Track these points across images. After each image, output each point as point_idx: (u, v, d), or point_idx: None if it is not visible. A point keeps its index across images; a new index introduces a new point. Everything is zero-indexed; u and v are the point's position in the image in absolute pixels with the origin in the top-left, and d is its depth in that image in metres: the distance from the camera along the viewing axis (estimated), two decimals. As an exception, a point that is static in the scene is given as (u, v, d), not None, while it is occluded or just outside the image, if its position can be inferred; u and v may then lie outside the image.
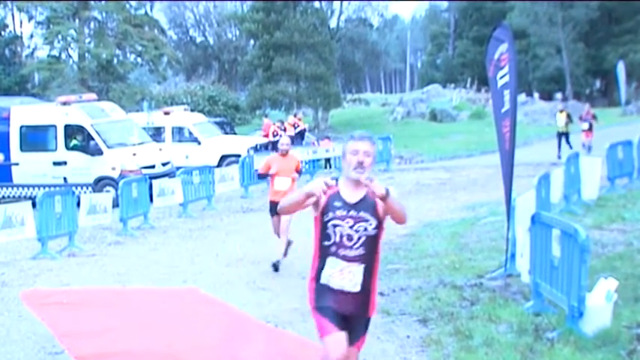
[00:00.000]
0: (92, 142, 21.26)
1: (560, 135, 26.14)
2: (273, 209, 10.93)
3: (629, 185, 16.67)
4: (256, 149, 25.52)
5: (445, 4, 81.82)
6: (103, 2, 41.52)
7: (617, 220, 13.15)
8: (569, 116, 26.05)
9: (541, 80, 57.97)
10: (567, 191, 14.32)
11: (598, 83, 62.65)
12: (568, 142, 25.63)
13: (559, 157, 23.97)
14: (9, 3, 43.02)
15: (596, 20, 55.66)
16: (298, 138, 27.86)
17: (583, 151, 23.68)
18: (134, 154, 21.37)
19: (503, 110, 9.82)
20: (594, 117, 26.25)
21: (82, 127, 21.45)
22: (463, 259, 11.19)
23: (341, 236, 4.99)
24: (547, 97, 51.87)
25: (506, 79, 9.61)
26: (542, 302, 8.16)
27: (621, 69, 47.51)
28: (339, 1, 51.62)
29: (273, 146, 25.63)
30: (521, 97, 44.12)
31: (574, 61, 55.82)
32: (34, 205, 14.36)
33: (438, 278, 10.04)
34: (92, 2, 41.07)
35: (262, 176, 11.85)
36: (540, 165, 21.51)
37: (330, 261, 4.97)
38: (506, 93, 9.65)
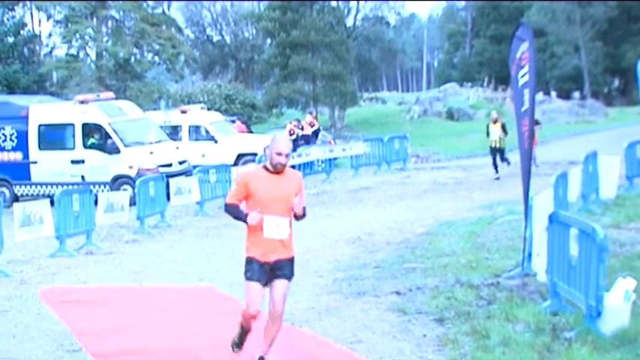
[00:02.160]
0: (110, 141, 21.35)
1: (493, 151, 21.72)
2: (259, 271, 6.75)
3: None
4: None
5: (462, 2, 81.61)
6: (120, 1, 41.67)
7: (635, 219, 13.06)
8: (504, 128, 21.53)
9: (559, 79, 57.71)
10: (585, 190, 14.23)
11: (617, 82, 62.26)
12: (504, 158, 21.71)
13: (498, 180, 21.06)
14: (28, 2, 43.26)
15: (614, 18, 55.29)
16: (313, 137, 27.83)
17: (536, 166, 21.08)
18: (151, 153, 21.44)
19: (523, 109, 9.80)
20: (537, 122, 20.65)
21: (100, 126, 21.55)
22: (480, 258, 11.15)
23: None
24: (565, 95, 51.61)
25: (527, 78, 9.57)
26: (560, 302, 8.12)
27: (640, 67, 47.25)
28: (355, 0, 51.56)
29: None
30: (539, 96, 43.92)
31: (592, 60, 55.50)
32: (52, 203, 14.44)
33: (454, 277, 10.01)
34: (110, 1, 41.23)
35: (233, 212, 6.86)
36: (558, 164, 21.40)
37: None
38: (526, 92, 9.62)
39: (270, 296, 6.86)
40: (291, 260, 6.91)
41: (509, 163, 21.41)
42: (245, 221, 6.76)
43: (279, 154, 6.69)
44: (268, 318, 6.92)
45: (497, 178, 21.08)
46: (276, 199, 6.69)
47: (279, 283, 6.83)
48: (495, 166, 21.58)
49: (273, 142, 6.81)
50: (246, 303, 6.92)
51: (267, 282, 6.80)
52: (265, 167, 6.83)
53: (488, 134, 21.99)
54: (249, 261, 6.86)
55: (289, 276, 6.93)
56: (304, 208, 6.92)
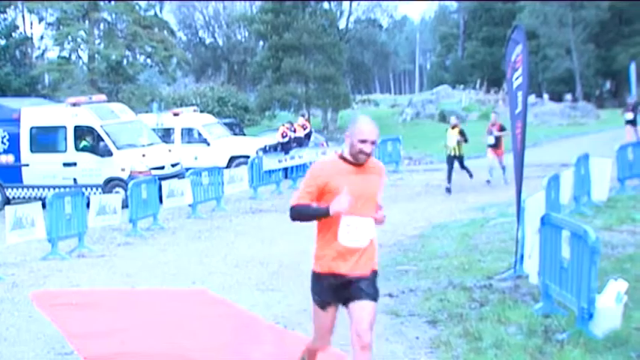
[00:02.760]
0: (102, 143, 21.31)
1: (450, 159, 20.11)
2: (332, 292, 5.57)
3: (639, 186, 16.61)
4: (265, 150, 25.53)
5: (454, 5, 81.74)
6: (112, 3, 41.63)
7: (627, 222, 13.10)
8: (462, 134, 20.04)
9: (551, 81, 57.82)
10: (577, 192, 14.27)
11: (608, 84, 62.43)
12: (464, 167, 20.31)
13: (448, 191, 19.65)
14: (20, 4, 43.18)
15: (606, 21, 55.44)
16: (306, 139, 27.83)
17: (492, 177, 20.74)
18: (143, 155, 21.40)
19: (517, 112, 9.84)
20: (502, 128, 20.61)
21: (92, 129, 21.50)
22: (472, 260, 11.16)
23: None
24: (557, 98, 51.74)
25: (520, 80, 9.62)
26: (552, 304, 8.14)
27: (634, 70, 47.40)
28: (348, 2, 51.60)
29: (282, 147, 25.64)
30: (531, 99, 44.01)
31: (584, 62, 55.63)
32: (44, 206, 14.41)
33: (447, 279, 10.02)
34: (102, 3, 41.19)
35: (305, 212, 5.59)
36: (550, 166, 21.44)
37: None
38: (520, 94, 9.66)
39: (352, 324, 5.50)
40: (374, 275, 5.55)
41: (471, 175, 20.25)
42: (325, 215, 5.38)
43: (364, 141, 5.36)
44: (352, 351, 5.52)
45: (448, 189, 19.61)
46: (358, 197, 5.37)
47: (362, 306, 5.45)
48: (450, 176, 19.80)
49: (354, 126, 5.45)
50: (313, 334, 5.85)
51: (344, 303, 5.55)
52: (343, 157, 5.48)
53: (445, 142, 20.40)
54: (318, 278, 5.62)
55: (374, 295, 5.51)
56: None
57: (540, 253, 8.46)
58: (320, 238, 5.56)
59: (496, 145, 20.70)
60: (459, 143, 19.86)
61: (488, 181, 20.64)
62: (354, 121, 5.48)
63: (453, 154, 19.98)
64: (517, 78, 9.73)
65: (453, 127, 20.26)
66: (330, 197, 5.34)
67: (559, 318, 7.83)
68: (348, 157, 5.46)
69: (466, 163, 20.56)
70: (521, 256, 9.75)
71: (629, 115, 26.27)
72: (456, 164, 20.13)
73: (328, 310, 5.60)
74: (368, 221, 5.48)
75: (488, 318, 8.10)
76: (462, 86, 55.62)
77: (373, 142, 5.41)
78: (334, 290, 5.50)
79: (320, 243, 5.56)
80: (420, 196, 19.66)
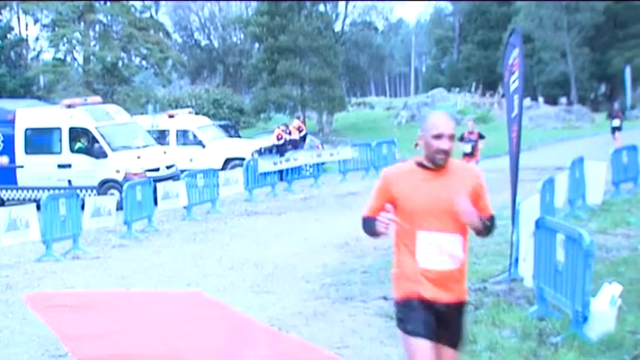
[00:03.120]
0: (97, 145, 21.29)
1: None
2: (423, 319, 4.63)
3: (633, 190, 16.65)
4: (260, 152, 25.54)
5: (450, 8, 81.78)
6: (108, 5, 41.59)
7: (621, 225, 13.13)
8: None
9: (546, 85, 57.89)
10: (572, 196, 14.29)
11: (603, 88, 62.53)
12: None
13: None
14: (15, 6, 43.12)
15: (601, 25, 55.54)
16: (301, 142, 27.86)
17: None
18: (139, 157, 21.38)
19: (513, 115, 9.87)
20: (481, 136, 20.69)
21: (87, 130, 21.48)
22: (467, 263, 11.15)
23: None
24: (552, 101, 51.81)
25: (517, 83, 9.65)
26: (547, 307, 8.15)
27: (629, 73, 47.54)
28: (343, 5, 51.65)
29: (278, 150, 25.64)
30: (526, 102, 44.06)
31: (579, 66, 55.72)
32: (38, 207, 14.38)
33: (441, 282, 10.01)
34: (97, 5, 41.16)
35: (368, 227, 4.84)
36: (545, 169, 21.46)
37: None
38: (516, 98, 9.69)
39: None
40: (462, 306, 4.74)
41: None
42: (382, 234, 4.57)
43: (439, 136, 4.50)
44: None
45: None
46: (436, 208, 4.51)
47: (445, 355, 4.68)
48: None
49: (425, 123, 4.66)
50: None
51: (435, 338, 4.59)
52: (419, 163, 4.67)
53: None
54: (405, 304, 4.67)
55: (456, 340, 4.73)
56: (490, 219, 4.74)
57: (535, 256, 8.47)
58: (397, 255, 4.72)
59: (471, 154, 20.12)
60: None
61: None
62: (423, 118, 4.72)
63: None
64: (514, 81, 9.76)
65: None
66: (402, 210, 4.61)
67: (553, 321, 7.84)
68: (425, 162, 4.63)
69: None
70: (516, 260, 9.76)
71: (616, 122, 26.21)
72: None
73: (420, 341, 4.57)
74: (453, 238, 4.58)
75: (482, 321, 8.11)
76: (457, 89, 55.65)
77: (451, 137, 4.55)
78: (426, 315, 4.57)
79: (397, 265, 4.71)
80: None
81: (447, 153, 4.55)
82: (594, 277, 7.54)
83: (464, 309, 4.77)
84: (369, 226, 4.69)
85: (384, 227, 4.54)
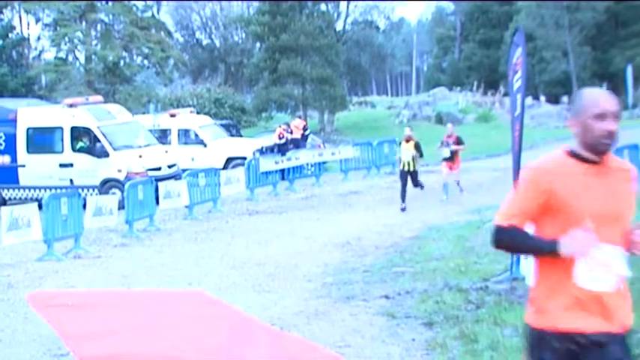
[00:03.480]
0: (98, 144, 21.30)
1: (404, 175, 18.15)
2: None
3: (635, 189, 16.61)
4: (262, 152, 25.54)
5: (451, 7, 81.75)
6: (109, 4, 41.61)
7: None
8: (418, 147, 18.29)
9: (547, 83, 57.84)
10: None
11: (605, 86, 62.47)
12: (417, 183, 18.52)
13: (403, 210, 17.68)
14: (16, 5, 43.15)
15: (602, 24, 55.53)
16: (303, 141, 27.85)
17: (447, 196, 18.97)
18: (140, 157, 21.39)
19: (516, 114, 9.88)
20: (459, 141, 19.35)
21: (89, 129, 21.48)
22: (469, 262, 11.17)
23: None
24: (553, 100, 51.77)
25: (520, 83, 9.65)
26: (548, 306, 8.13)
27: (630, 72, 47.50)
28: (345, 4, 51.60)
29: (279, 149, 25.64)
30: (528, 101, 44.02)
31: (580, 65, 55.69)
32: (40, 206, 14.39)
33: (443, 281, 10.02)
34: (99, 4, 41.18)
35: (515, 240, 3.67)
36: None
37: None
38: (519, 97, 9.70)
39: None
40: (624, 337, 3.59)
41: (422, 187, 18.73)
42: (550, 254, 3.50)
43: (603, 115, 3.46)
44: None
45: (404, 209, 17.67)
46: (603, 216, 3.50)
47: None
48: (404, 194, 17.94)
49: (581, 102, 3.58)
50: None
51: None
52: (573, 153, 3.60)
53: (399, 155, 18.66)
54: (539, 338, 3.70)
55: None
56: None
57: (536, 255, 8.45)
58: (543, 275, 3.63)
59: (451, 159, 18.92)
60: (413, 159, 18.13)
61: (442, 201, 18.80)
62: (577, 97, 3.63)
63: (406, 169, 18.12)
64: (517, 80, 9.77)
65: (407, 141, 18.39)
66: (561, 217, 3.51)
67: (555, 320, 7.83)
68: (583, 153, 3.56)
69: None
70: (518, 258, 9.76)
71: None
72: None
73: None
74: (620, 252, 3.56)
75: (484, 320, 8.11)
76: (458, 88, 55.58)
77: (616, 116, 3.49)
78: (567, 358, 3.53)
79: (543, 284, 3.63)
80: (416, 198, 19.64)
81: (613, 137, 3.48)
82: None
83: (627, 338, 3.62)
84: (515, 239, 3.63)
85: (583, 249, 3.45)
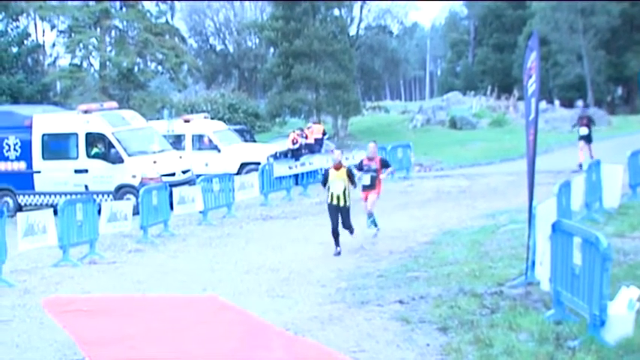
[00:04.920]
0: (113, 150, 21.38)
1: (334, 211, 14.04)
2: None
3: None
4: (276, 157, 25.57)
5: (465, 11, 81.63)
6: (123, 11, 41.78)
7: (639, 228, 13.03)
8: (350, 176, 14.23)
9: (562, 88, 57.63)
10: (588, 199, 14.21)
11: (620, 90, 62.19)
12: (348, 223, 14.06)
13: (337, 254, 13.70)
14: (32, 12, 43.39)
15: (617, 27, 55.24)
16: (317, 146, 27.87)
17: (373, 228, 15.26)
18: (154, 162, 21.45)
19: (530, 118, 9.85)
20: (385, 164, 15.64)
21: (103, 135, 21.58)
22: (483, 267, 11.13)
23: None
24: (568, 104, 51.56)
25: (534, 87, 9.62)
26: (564, 311, 8.11)
27: (644, 76, 47.25)
28: (359, 9, 51.64)
29: (293, 154, 25.67)
30: (542, 105, 43.82)
31: (595, 69, 55.44)
32: (55, 212, 14.46)
33: (458, 286, 10.00)
34: (113, 11, 41.33)
35: None
36: (561, 172, 21.38)
37: None
38: (533, 101, 9.67)
39: None
40: None
41: (352, 231, 14.23)
42: None
43: None
44: None
45: (339, 253, 13.69)
46: None
47: None
48: (336, 235, 13.89)
49: None
50: None
51: None
52: None
53: (325, 184, 14.28)
54: None
55: None
56: None
57: (552, 259, 8.43)
58: None
59: (372, 186, 15.14)
60: (345, 191, 13.99)
61: (374, 235, 15.19)
62: None
63: (337, 203, 13.97)
64: (531, 84, 9.74)
65: (337, 168, 14.09)
66: None
67: (571, 325, 7.80)
68: None
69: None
70: (533, 263, 9.73)
71: (584, 130, 24.17)
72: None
73: None
74: None
75: (499, 325, 8.08)
76: (472, 92, 55.44)
77: None
78: None
79: None
80: (430, 203, 19.62)
81: None
82: (612, 280, 7.50)
83: None
84: None
85: None
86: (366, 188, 15.16)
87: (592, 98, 54.65)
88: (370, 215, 15.18)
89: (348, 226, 14.15)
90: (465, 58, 77.36)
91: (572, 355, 7.02)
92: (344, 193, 13.99)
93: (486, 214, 16.82)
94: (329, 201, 14.17)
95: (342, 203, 13.99)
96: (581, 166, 22.24)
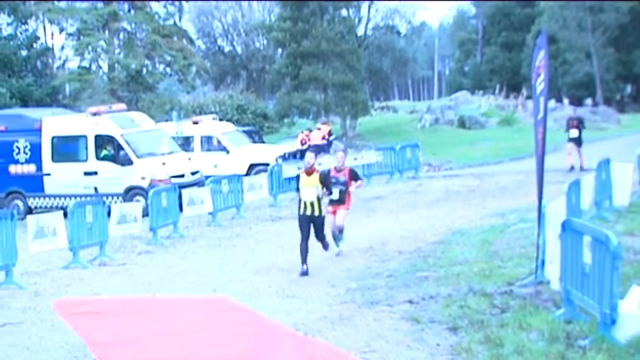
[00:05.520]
0: (122, 152, 21.44)
1: (306, 222, 12.63)
2: None
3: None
4: (284, 158, 25.57)
5: (473, 10, 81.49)
6: (132, 13, 41.86)
7: (649, 227, 12.99)
8: (325, 181, 12.78)
9: (571, 86, 57.48)
10: (598, 197, 14.17)
11: (629, 88, 62.01)
12: (322, 235, 12.94)
13: (305, 274, 12.16)
14: (40, 15, 43.54)
15: (626, 25, 55.07)
16: (327, 146, 27.85)
17: (338, 246, 13.67)
18: (163, 164, 21.50)
19: (539, 117, 9.83)
20: (354, 176, 14.04)
21: (112, 138, 21.63)
22: (493, 266, 11.11)
23: None
24: (577, 102, 51.43)
25: (543, 85, 9.60)
26: (574, 310, 8.09)
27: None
28: (366, 9, 51.61)
29: (302, 155, 25.67)
30: (551, 104, 43.73)
31: (604, 67, 55.28)
32: (65, 215, 14.50)
33: (467, 286, 9.98)
34: (121, 13, 41.43)
35: None
36: (570, 171, 21.33)
37: None
38: (542, 100, 9.65)
39: None
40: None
41: (326, 246, 13.19)
42: None
43: None
44: None
45: (305, 273, 12.19)
46: None
47: None
48: (305, 252, 12.38)
49: None
50: None
51: None
52: None
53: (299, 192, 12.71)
54: None
55: None
56: None
57: (561, 258, 8.41)
58: None
59: (341, 201, 13.62)
60: (319, 199, 12.57)
61: (337, 254, 13.59)
62: None
63: (309, 213, 12.50)
64: (540, 83, 9.71)
65: (309, 173, 12.57)
66: None
67: (581, 324, 7.78)
68: None
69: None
70: (542, 262, 9.70)
71: (574, 132, 23.53)
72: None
73: None
74: None
75: (509, 324, 8.07)
76: (480, 92, 55.33)
77: None
78: None
79: None
80: (439, 203, 19.59)
81: None
82: (622, 279, 7.48)
83: None
84: None
85: None
86: (334, 203, 13.56)
87: (601, 96, 54.50)
88: (340, 231, 13.68)
89: (322, 239, 12.82)
90: (474, 57, 77.22)
91: (583, 354, 7.00)
92: (317, 200, 12.50)
93: (496, 213, 16.79)
94: (300, 211, 12.61)
95: (316, 212, 12.50)
96: (573, 167, 22.23)
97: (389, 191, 22.66)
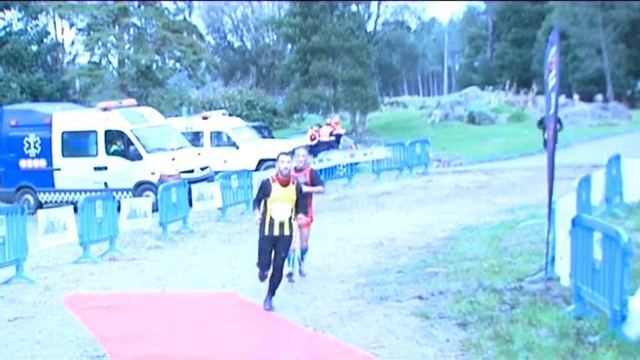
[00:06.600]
0: (132, 148, 21.48)
1: (269, 242, 9.75)
2: None
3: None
4: (293, 154, 25.54)
5: (483, 6, 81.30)
6: (142, 9, 41.91)
7: (660, 223, 12.94)
8: (299, 196, 9.98)
9: (581, 82, 57.29)
10: (609, 193, 14.12)
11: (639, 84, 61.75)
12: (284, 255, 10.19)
13: (270, 308, 9.66)
14: (51, 10, 43.64)
15: (637, 21, 54.82)
16: (336, 142, 27.86)
17: (300, 265, 11.54)
18: (173, 159, 21.52)
19: (550, 112, 9.81)
20: (316, 180, 11.65)
21: (122, 133, 21.67)
22: (503, 262, 11.09)
23: None
24: (587, 98, 51.26)
25: (554, 81, 9.57)
26: (584, 306, 8.07)
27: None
28: (376, 5, 51.55)
29: (311, 150, 25.67)
30: (561, 99, 43.62)
31: (615, 62, 55.06)
32: (75, 209, 14.55)
33: (477, 282, 9.97)
34: (131, 9, 41.48)
35: None
36: (581, 167, 21.25)
37: None
38: (553, 95, 9.62)
39: None
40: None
41: (299, 275, 11.38)
42: None
43: None
44: None
45: (271, 308, 9.64)
46: None
47: None
48: (274, 287, 9.83)
49: None
50: None
51: None
52: None
53: (259, 203, 9.90)
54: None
55: None
56: None
57: (572, 254, 8.39)
58: None
59: (301, 209, 10.18)
60: (291, 220, 9.87)
61: (289, 275, 10.94)
62: None
63: (278, 234, 9.73)
64: (552, 79, 9.68)
65: (286, 183, 9.86)
66: None
67: (591, 320, 7.76)
68: None
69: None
70: (552, 258, 9.68)
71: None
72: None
73: None
74: None
75: (519, 320, 8.05)
76: (490, 87, 55.25)
77: None
78: None
79: None
80: (449, 198, 19.56)
81: None
82: (632, 275, 7.45)
83: None
84: None
85: None
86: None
87: (612, 92, 54.30)
88: (304, 251, 11.45)
89: (280, 267, 9.82)
90: (483, 53, 77.06)
91: (593, 350, 6.99)
92: (289, 221, 9.81)
93: (505, 209, 16.75)
94: (265, 231, 9.72)
95: (285, 232, 9.75)
96: None
97: (398, 187, 22.64)
